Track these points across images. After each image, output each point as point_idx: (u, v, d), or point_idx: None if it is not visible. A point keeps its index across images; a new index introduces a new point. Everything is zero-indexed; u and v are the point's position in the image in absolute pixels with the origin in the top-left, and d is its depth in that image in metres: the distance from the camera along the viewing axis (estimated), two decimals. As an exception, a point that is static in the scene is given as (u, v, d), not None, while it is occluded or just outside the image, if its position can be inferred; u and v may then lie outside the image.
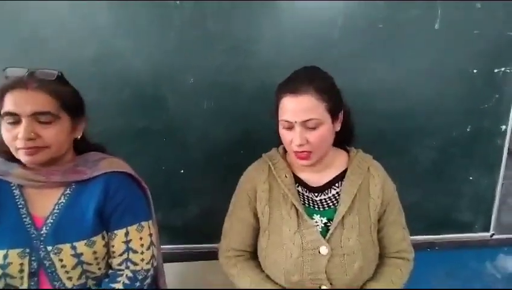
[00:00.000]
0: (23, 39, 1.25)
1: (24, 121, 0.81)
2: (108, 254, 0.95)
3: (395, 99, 1.40)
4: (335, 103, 0.93)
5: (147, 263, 0.95)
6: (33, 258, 0.85)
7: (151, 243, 0.96)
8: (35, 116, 0.83)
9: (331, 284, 0.95)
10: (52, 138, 0.85)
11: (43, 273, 0.86)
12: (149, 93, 1.31)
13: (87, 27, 1.25)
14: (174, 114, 1.33)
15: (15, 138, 0.82)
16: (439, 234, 1.59)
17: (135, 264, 0.93)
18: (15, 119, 0.82)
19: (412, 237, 1.51)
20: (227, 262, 1.07)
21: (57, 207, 0.88)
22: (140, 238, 0.94)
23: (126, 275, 0.92)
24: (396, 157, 1.46)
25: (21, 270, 0.84)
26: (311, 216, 0.97)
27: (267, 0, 1.27)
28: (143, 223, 0.95)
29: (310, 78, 0.91)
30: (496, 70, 1.41)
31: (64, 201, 0.89)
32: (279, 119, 0.95)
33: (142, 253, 0.94)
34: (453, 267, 1.71)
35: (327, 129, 0.93)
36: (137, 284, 0.93)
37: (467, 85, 1.41)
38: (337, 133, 0.99)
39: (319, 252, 0.93)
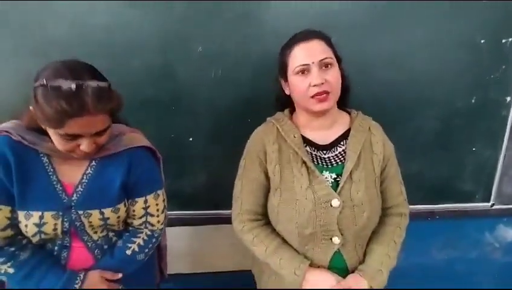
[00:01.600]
0: (34, 8, 1.26)
1: (86, 138, 0.87)
2: (127, 215, 1.04)
3: (399, 70, 1.41)
4: (337, 53, 1.03)
5: (161, 224, 1.10)
6: (65, 219, 0.94)
7: (164, 207, 1.10)
8: (97, 133, 0.88)
9: (342, 234, 1.01)
10: (104, 140, 0.92)
11: (74, 231, 0.97)
12: (157, 62, 1.33)
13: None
14: (183, 83, 1.35)
15: (74, 148, 0.88)
16: (439, 204, 1.63)
17: (152, 225, 1.08)
18: (76, 137, 0.86)
19: (412, 206, 1.54)
20: (242, 227, 1.09)
21: (85, 177, 0.96)
22: (156, 205, 1.06)
23: (145, 233, 1.07)
24: (400, 127, 1.48)
25: (54, 229, 0.94)
26: (321, 172, 1.02)
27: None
28: (158, 191, 1.07)
29: (314, 30, 1.02)
30: (503, 41, 1.40)
31: (91, 172, 0.97)
32: (293, 68, 1.00)
33: (157, 216, 1.07)
34: (452, 236, 1.76)
35: (338, 72, 1.01)
36: (154, 240, 1.09)
37: (474, 55, 1.41)
38: None
39: (331, 205, 0.99)
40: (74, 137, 0.85)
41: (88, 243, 0.99)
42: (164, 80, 1.35)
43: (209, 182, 1.48)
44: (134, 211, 1.04)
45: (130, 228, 1.08)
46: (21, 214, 0.91)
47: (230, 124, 1.41)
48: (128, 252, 1.03)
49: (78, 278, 0.95)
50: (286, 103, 1.11)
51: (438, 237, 1.76)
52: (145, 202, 1.03)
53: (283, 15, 1.31)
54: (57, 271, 0.95)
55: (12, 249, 0.93)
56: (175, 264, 1.33)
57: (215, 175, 1.46)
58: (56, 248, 0.98)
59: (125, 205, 1.00)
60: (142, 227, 1.07)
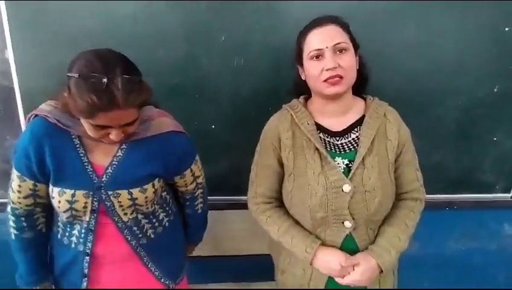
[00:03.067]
0: (68, 1, 1.32)
1: (115, 129, 0.91)
2: (178, 185, 1.19)
3: (421, 59, 1.41)
4: (354, 38, 1.03)
5: (203, 178, 1.25)
6: (95, 199, 1.00)
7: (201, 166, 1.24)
8: (126, 124, 0.92)
9: (353, 219, 1.03)
10: (133, 130, 0.97)
11: (103, 210, 1.02)
12: (182, 52, 1.37)
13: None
14: (206, 71, 1.40)
15: (104, 135, 0.92)
16: (459, 194, 1.63)
17: (200, 183, 1.24)
18: (105, 127, 0.90)
19: (431, 196, 1.57)
20: (256, 208, 1.15)
21: (115, 159, 1.01)
22: (198, 167, 1.19)
23: (200, 191, 1.24)
24: (421, 117, 1.48)
25: (85, 207, 0.99)
26: (333, 158, 1.04)
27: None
28: (196, 158, 1.18)
29: (330, 16, 1.03)
30: (528, 29, 1.38)
31: (121, 155, 1.02)
32: (307, 53, 1.01)
33: (201, 175, 1.23)
34: (471, 227, 1.76)
35: (353, 56, 1.01)
36: (206, 191, 1.28)
37: (498, 44, 1.39)
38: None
39: (342, 190, 1.01)
40: (104, 127, 0.90)
41: (118, 224, 1.04)
42: (188, 69, 1.39)
43: (231, 169, 1.52)
44: (185, 181, 1.16)
45: (187, 197, 1.23)
46: (55, 191, 0.98)
47: (252, 112, 1.44)
48: (200, 210, 1.26)
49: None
50: (303, 89, 1.13)
51: (456, 227, 1.76)
52: (191, 171, 1.16)
53: (304, 6, 1.33)
54: (30, 265, 1.08)
55: (24, 224, 1.04)
56: (197, 248, 1.39)
57: (237, 162, 1.50)
58: (83, 231, 1.03)
59: (153, 185, 1.05)
60: (196, 189, 1.22)
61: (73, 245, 1.05)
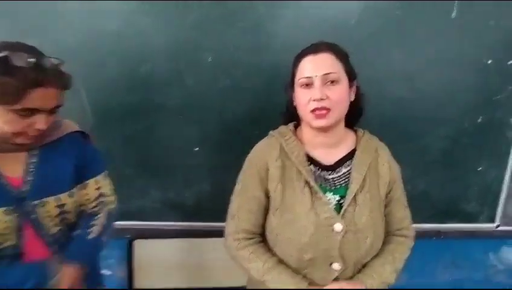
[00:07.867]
0: (47, 13, 1.28)
1: (44, 115, 0.85)
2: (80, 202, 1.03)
3: (408, 87, 1.42)
4: (351, 69, 0.98)
5: (114, 203, 1.11)
6: (18, 213, 0.89)
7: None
8: (53, 109, 0.87)
9: (342, 260, 0.96)
10: (52, 121, 0.90)
11: (29, 226, 0.91)
12: (167, 70, 1.34)
13: (110, 3, 1.28)
14: (191, 91, 1.36)
15: (25, 128, 0.84)
16: (445, 223, 1.62)
17: (110, 207, 1.08)
18: (32, 112, 0.83)
19: (418, 225, 1.53)
20: (237, 245, 1.03)
21: (31, 166, 0.92)
22: (107, 184, 1.08)
23: (105, 215, 1.06)
24: (407, 145, 1.48)
25: (6, 227, 0.88)
26: (324, 194, 0.98)
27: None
28: (105, 171, 1.07)
29: (328, 43, 0.97)
30: (510, 62, 1.41)
31: (35, 160, 0.93)
32: (297, 80, 0.96)
33: (111, 196, 1.09)
34: (457, 256, 1.75)
35: (345, 89, 0.95)
36: (113, 219, 1.09)
37: (481, 76, 1.42)
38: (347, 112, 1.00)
39: (333, 230, 0.94)
40: (31, 112, 0.82)
41: (45, 238, 0.94)
42: (173, 88, 1.36)
43: (214, 193, 1.46)
44: (88, 195, 1.03)
45: (86, 214, 1.06)
46: None
47: (238, 135, 1.40)
48: (91, 235, 1.00)
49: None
50: (294, 116, 1.06)
51: (443, 256, 1.75)
52: (96, 182, 1.04)
53: (293, 27, 1.33)
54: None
55: None
56: (173, 277, 1.30)
57: (220, 186, 1.43)
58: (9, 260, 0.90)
59: (78, 189, 0.99)
60: (99, 209, 1.06)
61: None
